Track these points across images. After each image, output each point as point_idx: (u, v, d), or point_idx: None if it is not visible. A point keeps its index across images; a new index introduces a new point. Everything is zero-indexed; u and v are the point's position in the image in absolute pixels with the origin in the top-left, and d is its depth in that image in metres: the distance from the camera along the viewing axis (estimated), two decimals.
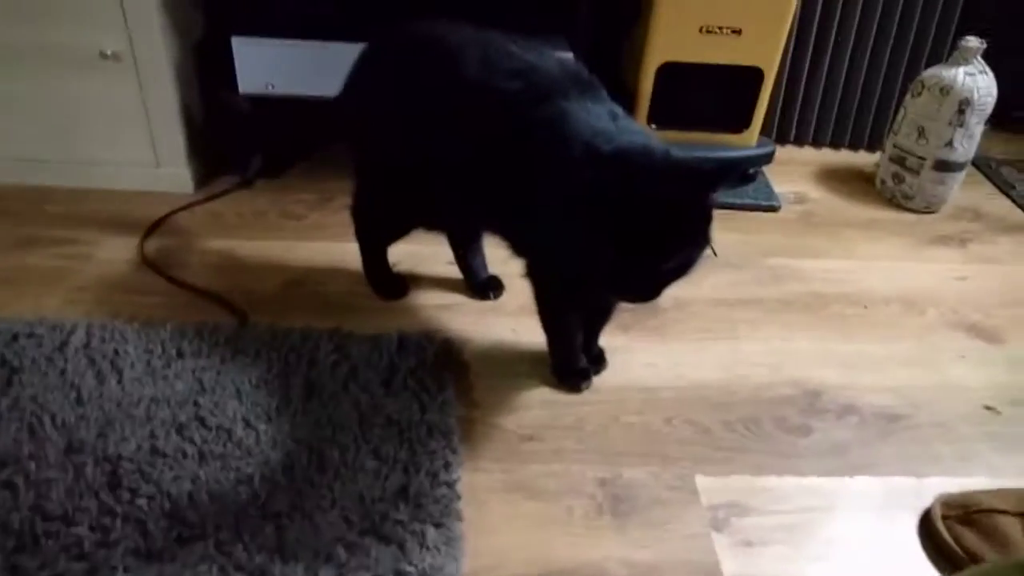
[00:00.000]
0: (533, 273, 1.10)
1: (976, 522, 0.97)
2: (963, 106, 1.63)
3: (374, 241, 1.32)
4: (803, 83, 1.91)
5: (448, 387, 1.13)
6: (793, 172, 1.89)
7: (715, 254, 1.47)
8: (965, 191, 1.79)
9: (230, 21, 1.51)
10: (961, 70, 1.63)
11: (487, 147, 1.02)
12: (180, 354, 1.15)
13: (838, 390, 1.22)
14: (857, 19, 1.83)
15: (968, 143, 1.68)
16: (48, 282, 1.32)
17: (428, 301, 1.35)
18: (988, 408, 1.21)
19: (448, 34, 1.08)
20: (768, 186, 1.78)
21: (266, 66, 1.50)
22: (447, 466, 1.00)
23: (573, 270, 0.99)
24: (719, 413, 1.16)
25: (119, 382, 1.09)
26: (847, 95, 1.94)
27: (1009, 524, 0.95)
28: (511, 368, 1.21)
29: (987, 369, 1.30)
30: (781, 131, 1.97)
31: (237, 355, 1.15)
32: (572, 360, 1.17)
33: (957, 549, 0.95)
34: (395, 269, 1.37)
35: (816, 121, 1.98)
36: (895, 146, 1.76)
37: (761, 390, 1.21)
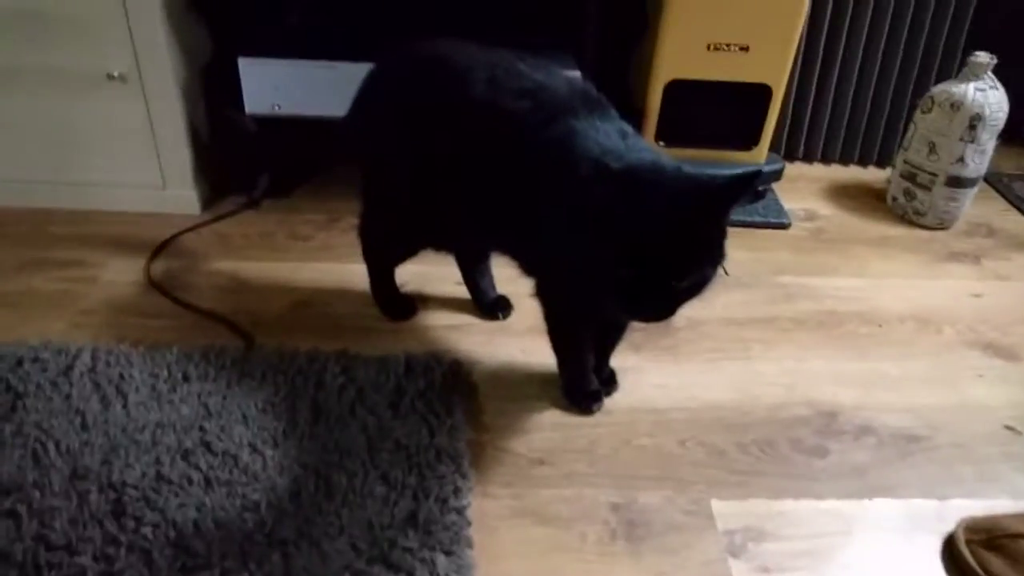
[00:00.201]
0: (543, 293, 1.08)
1: (1002, 547, 0.94)
2: (974, 121, 1.61)
3: (382, 262, 1.31)
4: (811, 99, 1.90)
5: (457, 410, 1.11)
6: (803, 189, 1.88)
7: (727, 273, 1.45)
8: (977, 207, 1.78)
9: (237, 42, 1.51)
10: (971, 85, 1.62)
11: (496, 167, 1.01)
12: (186, 378, 1.13)
13: (854, 410, 1.20)
14: (865, 35, 1.82)
15: (980, 159, 1.67)
16: (54, 305, 1.31)
17: (436, 322, 1.33)
18: (1009, 428, 1.18)
19: (455, 54, 1.08)
20: (778, 203, 1.77)
21: (273, 86, 1.50)
22: (457, 491, 0.98)
23: (584, 290, 0.97)
24: (733, 435, 1.14)
25: (124, 407, 1.08)
26: (856, 111, 1.93)
27: None
28: (521, 390, 1.19)
29: (1006, 388, 1.27)
30: (790, 148, 1.96)
31: (243, 378, 1.14)
32: (583, 381, 1.16)
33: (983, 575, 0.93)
34: (403, 290, 1.36)
35: (825, 137, 1.96)
36: (906, 162, 1.75)
37: (775, 411, 1.19)
